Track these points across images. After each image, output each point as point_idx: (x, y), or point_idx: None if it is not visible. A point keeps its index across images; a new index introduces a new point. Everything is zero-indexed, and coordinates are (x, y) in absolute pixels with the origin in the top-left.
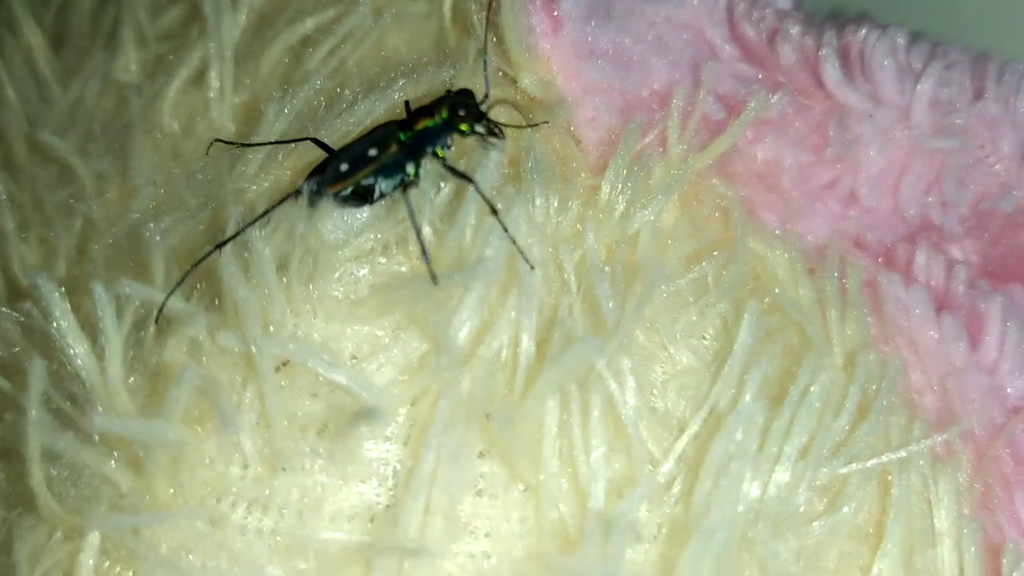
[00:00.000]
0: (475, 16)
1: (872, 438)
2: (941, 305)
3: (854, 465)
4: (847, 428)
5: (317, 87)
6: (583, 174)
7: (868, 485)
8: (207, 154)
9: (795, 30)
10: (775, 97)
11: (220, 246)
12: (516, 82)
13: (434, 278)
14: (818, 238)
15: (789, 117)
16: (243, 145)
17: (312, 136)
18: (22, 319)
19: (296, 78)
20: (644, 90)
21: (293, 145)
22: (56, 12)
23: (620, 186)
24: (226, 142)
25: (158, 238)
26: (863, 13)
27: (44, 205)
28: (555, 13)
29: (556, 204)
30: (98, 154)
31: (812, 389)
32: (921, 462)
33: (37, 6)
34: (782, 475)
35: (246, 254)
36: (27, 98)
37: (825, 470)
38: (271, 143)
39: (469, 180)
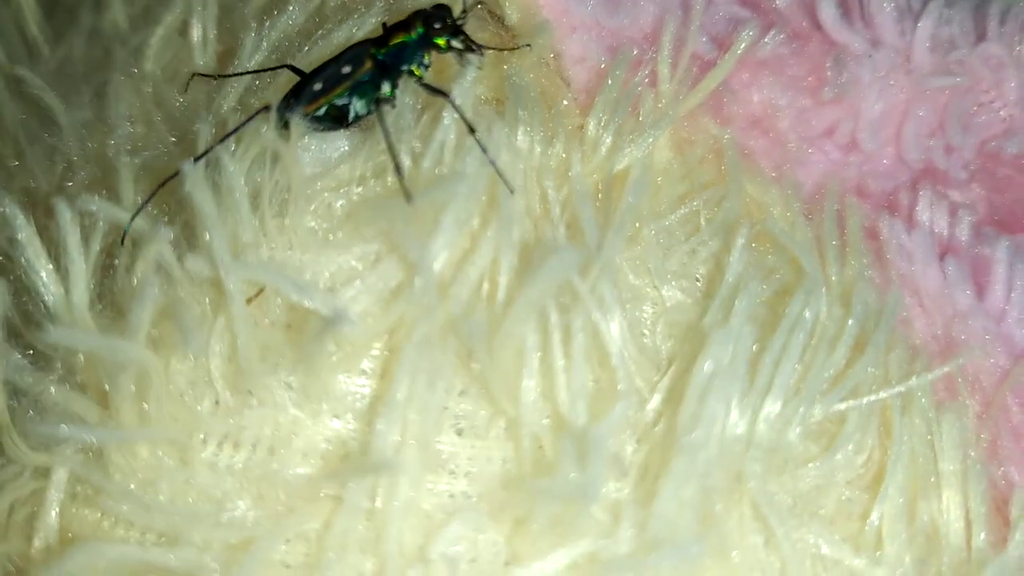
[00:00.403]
0: None
1: (871, 374)
2: (945, 251)
3: (851, 401)
4: (844, 363)
5: (295, 18)
6: (570, 113)
7: (868, 426)
8: (186, 91)
9: None
10: (769, 35)
11: (194, 161)
12: (501, 20)
13: (408, 196)
14: (817, 185)
15: (785, 58)
16: (221, 76)
17: (289, 64)
18: None
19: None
20: (634, 30)
21: (271, 75)
22: None
23: (606, 120)
24: (204, 75)
25: (127, 159)
26: None
27: (26, 156)
28: None
29: (540, 137)
30: (80, 104)
31: (805, 315)
32: (924, 400)
33: None
34: (773, 405)
35: (217, 177)
36: (15, 58)
37: (820, 406)
38: (248, 72)
39: (445, 96)
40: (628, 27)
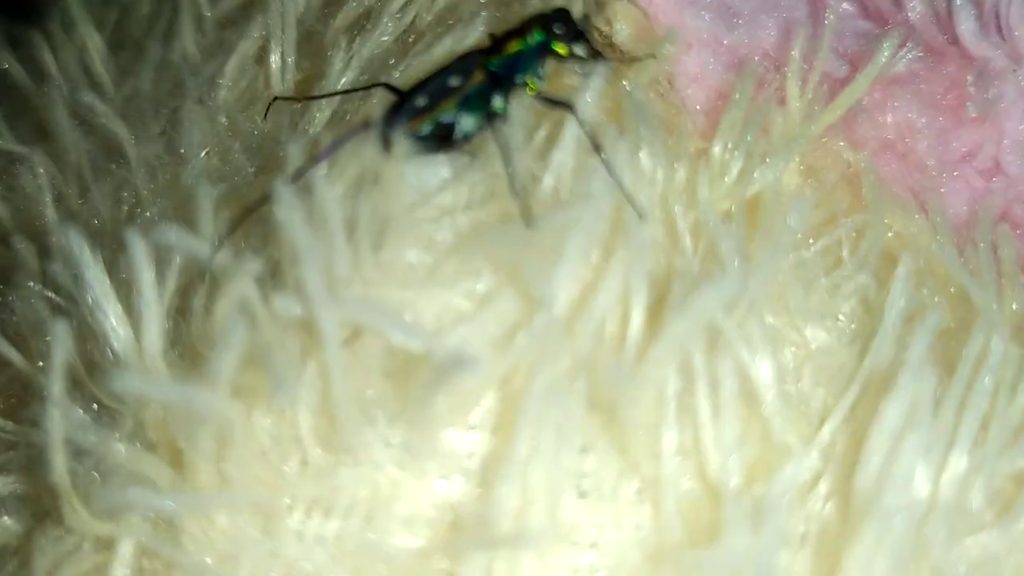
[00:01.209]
0: None
1: None
2: None
3: None
4: None
5: (389, 31)
6: (690, 137)
7: None
8: (265, 118)
9: None
10: (904, 49)
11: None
12: (609, 36)
13: (528, 219)
14: (959, 213)
15: (921, 74)
16: (306, 99)
17: (385, 81)
18: (49, 293)
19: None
20: (754, 46)
21: (362, 96)
22: (118, 15)
23: (735, 141)
24: (287, 98)
25: (206, 188)
26: None
27: (92, 193)
28: None
29: (663, 159)
30: (150, 138)
31: (988, 355)
32: None
33: (98, 9)
34: (959, 461)
35: (308, 204)
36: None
37: (1006, 460)
38: (337, 93)
39: (569, 108)
40: (748, 43)
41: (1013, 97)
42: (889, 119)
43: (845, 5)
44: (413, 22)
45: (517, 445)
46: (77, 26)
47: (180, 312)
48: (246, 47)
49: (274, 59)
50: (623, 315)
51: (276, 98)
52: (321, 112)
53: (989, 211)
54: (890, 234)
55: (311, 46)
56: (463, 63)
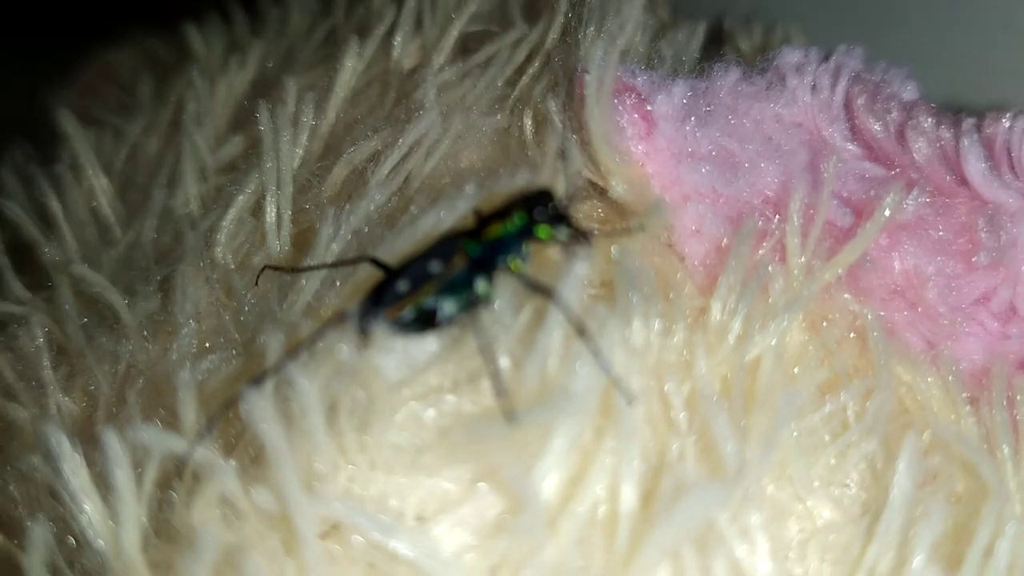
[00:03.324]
0: (555, 115)
1: None
2: None
3: None
4: None
5: (377, 202)
6: (689, 294)
7: None
8: (256, 284)
9: (928, 121)
10: (911, 195)
11: (256, 383)
12: (605, 192)
13: (511, 416)
14: (974, 363)
15: (929, 219)
16: (294, 271)
17: (371, 256)
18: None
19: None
20: (754, 196)
21: (351, 268)
22: (127, 156)
23: (733, 303)
24: (276, 268)
25: (188, 378)
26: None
27: (86, 353)
28: (648, 112)
29: (658, 327)
30: (147, 294)
31: (998, 546)
32: None
33: (107, 150)
34: None
35: (287, 394)
36: (86, 241)
37: None
38: (324, 266)
39: (549, 295)
40: (748, 194)
41: None
42: (897, 267)
43: (849, 146)
44: (404, 186)
45: None
46: (85, 170)
47: (163, 503)
48: (243, 201)
49: (270, 213)
50: (613, 504)
51: (266, 267)
52: (309, 281)
53: (1002, 365)
54: (902, 390)
55: (305, 198)
56: (444, 246)
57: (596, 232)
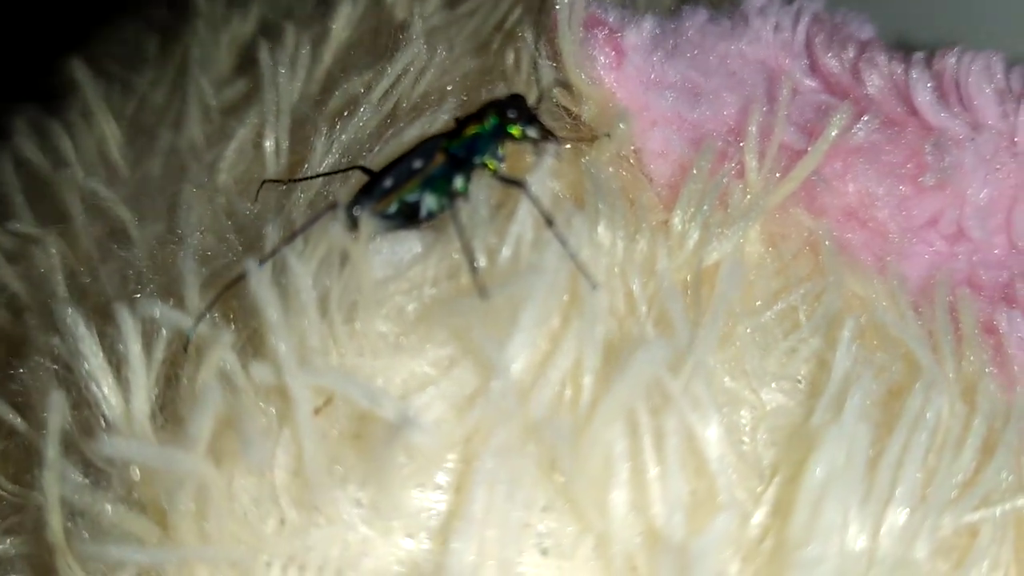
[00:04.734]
0: (530, 41)
1: (1004, 479)
2: None
3: (983, 511)
4: (972, 467)
5: (365, 119)
6: (654, 209)
7: (1004, 539)
8: (256, 199)
9: (881, 57)
10: (862, 120)
11: (260, 263)
12: (577, 116)
13: (483, 292)
14: (923, 278)
15: (880, 145)
16: (290, 181)
17: (361, 164)
18: (53, 365)
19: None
20: (717, 122)
21: (341, 178)
22: (136, 106)
23: (692, 213)
24: (273, 180)
25: (192, 264)
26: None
27: (99, 272)
28: (619, 44)
29: (622, 231)
30: (155, 218)
31: (928, 411)
32: None
33: (117, 101)
34: (897, 515)
35: (284, 280)
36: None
37: (949, 516)
38: (318, 175)
39: (521, 186)
40: (711, 119)
41: (972, 164)
42: (851, 188)
43: (808, 81)
44: (393, 109)
45: (471, 504)
46: (96, 116)
47: (169, 380)
48: (244, 134)
49: (268, 144)
50: (577, 380)
51: (265, 181)
52: (305, 193)
53: (947, 275)
54: (855, 302)
55: (304, 131)
56: (426, 146)
57: (565, 138)
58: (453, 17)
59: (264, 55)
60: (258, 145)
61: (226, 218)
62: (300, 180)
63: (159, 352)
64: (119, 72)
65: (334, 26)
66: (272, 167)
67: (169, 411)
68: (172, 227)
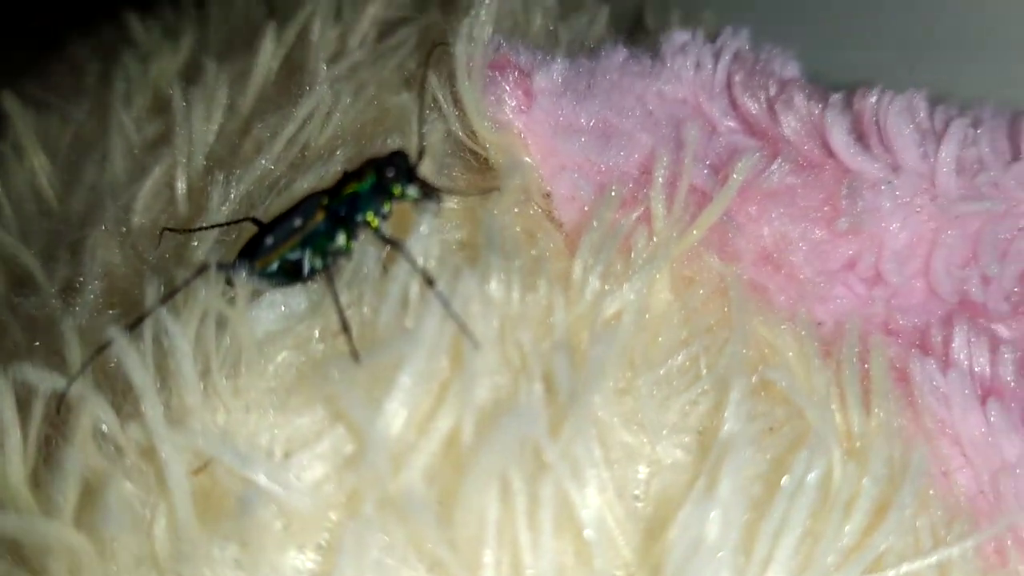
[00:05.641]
0: (434, 86)
1: (897, 542)
2: (987, 393)
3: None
4: (862, 530)
5: (264, 167)
6: (560, 256)
7: None
8: (158, 246)
9: (799, 97)
10: (775, 164)
11: (129, 328)
12: (487, 161)
13: (355, 355)
14: (840, 324)
15: (795, 188)
16: (187, 231)
17: (252, 216)
18: None
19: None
20: (629, 165)
21: (237, 229)
22: (72, 137)
23: (592, 262)
24: (172, 230)
25: (72, 323)
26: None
27: (10, 324)
28: (529, 87)
29: (518, 283)
30: (65, 260)
31: (808, 478)
32: (964, 573)
33: (53, 131)
34: None
35: (165, 340)
36: (25, 214)
37: None
38: (213, 226)
39: (398, 246)
40: (623, 162)
41: (890, 207)
42: (765, 232)
43: (727, 121)
44: (301, 155)
45: (339, 570)
46: (26, 148)
47: (48, 442)
48: (159, 175)
49: (180, 186)
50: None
51: (164, 229)
52: (202, 244)
53: (858, 322)
54: (766, 350)
55: (225, 163)
56: (307, 203)
57: (448, 190)
58: (380, 51)
59: (176, 95)
60: (172, 187)
61: (137, 263)
62: (197, 230)
63: (37, 411)
64: (57, 102)
65: (256, 62)
66: (182, 211)
67: (42, 475)
68: (78, 272)
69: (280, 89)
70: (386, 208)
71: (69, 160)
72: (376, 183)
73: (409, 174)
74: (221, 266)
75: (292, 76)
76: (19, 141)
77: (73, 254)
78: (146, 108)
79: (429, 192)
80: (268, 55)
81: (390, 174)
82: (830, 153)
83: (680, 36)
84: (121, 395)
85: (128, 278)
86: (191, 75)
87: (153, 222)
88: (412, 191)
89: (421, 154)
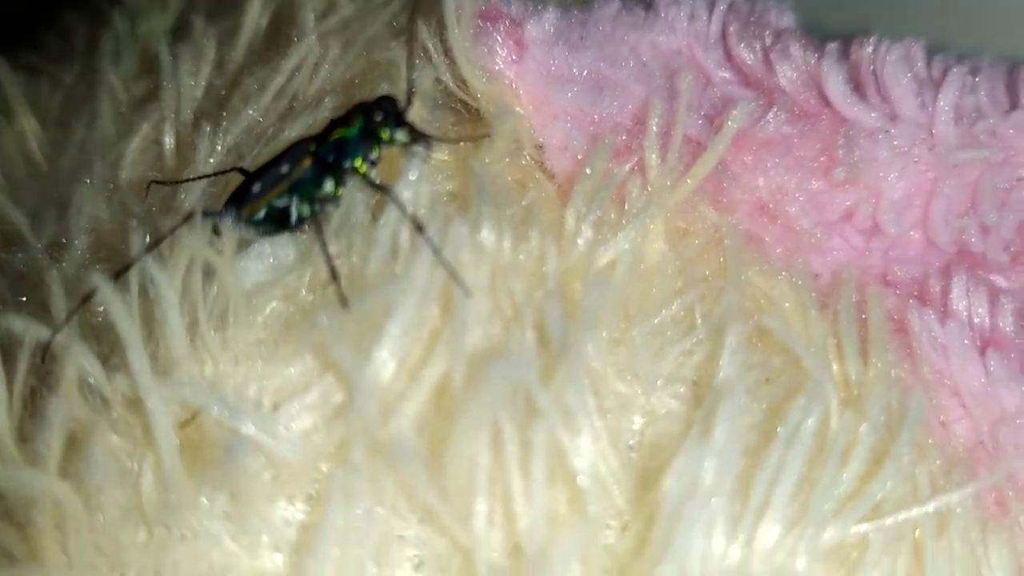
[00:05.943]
0: (424, 36)
1: (895, 490)
2: (986, 343)
3: (871, 523)
4: (859, 478)
5: (250, 118)
6: (553, 207)
7: (896, 551)
8: (146, 199)
9: (795, 47)
10: (771, 113)
11: (115, 277)
12: (477, 111)
13: (344, 303)
14: (836, 275)
15: (791, 138)
16: (174, 183)
17: (239, 167)
18: None
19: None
20: (623, 115)
21: (225, 180)
22: (63, 100)
23: (584, 212)
24: (160, 182)
25: (56, 274)
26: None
27: None
28: (520, 37)
29: (509, 231)
30: (52, 219)
31: (806, 424)
32: (963, 522)
33: (44, 95)
34: (770, 530)
35: (151, 289)
36: (14, 176)
37: (832, 529)
38: (199, 177)
39: (386, 192)
40: (616, 113)
41: (887, 157)
42: (761, 182)
43: (722, 72)
44: (289, 107)
45: (327, 520)
46: (16, 112)
47: (34, 394)
48: (147, 130)
49: (168, 141)
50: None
51: (151, 182)
52: (188, 195)
53: (856, 271)
54: (762, 300)
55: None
56: (294, 150)
57: (444, 139)
58: (355, 13)
59: (164, 51)
60: (160, 142)
61: (125, 217)
62: (184, 181)
63: (23, 362)
64: (48, 67)
65: (244, 19)
66: (170, 165)
67: (28, 427)
68: (65, 229)
69: (269, 45)
70: (374, 154)
71: (59, 122)
72: (364, 128)
73: (398, 118)
74: (208, 214)
75: (281, 33)
76: (10, 105)
77: (60, 210)
78: (135, 67)
79: (418, 136)
80: (257, 11)
81: (378, 118)
82: (826, 103)
83: None
84: (107, 346)
85: (115, 233)
86: (180, 33)
87: (141, 177)
88: (401, 135)
89: (410, 99)
